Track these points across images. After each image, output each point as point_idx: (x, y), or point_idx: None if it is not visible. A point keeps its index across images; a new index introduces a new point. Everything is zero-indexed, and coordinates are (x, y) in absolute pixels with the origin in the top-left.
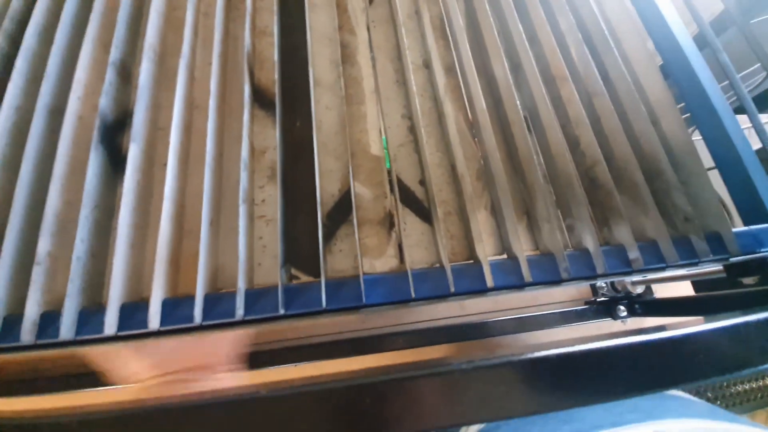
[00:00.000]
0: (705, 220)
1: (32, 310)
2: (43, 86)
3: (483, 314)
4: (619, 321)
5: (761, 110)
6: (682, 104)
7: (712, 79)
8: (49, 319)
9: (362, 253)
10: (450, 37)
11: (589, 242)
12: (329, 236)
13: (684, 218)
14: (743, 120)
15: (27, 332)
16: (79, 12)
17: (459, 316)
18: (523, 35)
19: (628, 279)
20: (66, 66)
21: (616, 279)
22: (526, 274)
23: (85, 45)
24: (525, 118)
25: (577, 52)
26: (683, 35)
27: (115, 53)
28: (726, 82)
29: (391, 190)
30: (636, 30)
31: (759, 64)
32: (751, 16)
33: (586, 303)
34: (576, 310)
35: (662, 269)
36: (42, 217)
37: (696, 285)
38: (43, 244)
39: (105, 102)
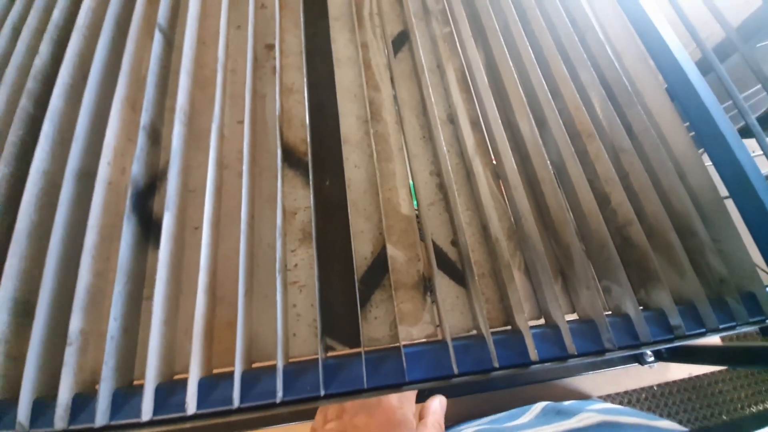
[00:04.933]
0: (739, 280)
1: (65, 395)
2: (72, 149)
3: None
4: (646, 366)
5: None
6: (686, 123)
7: (718, 104)
8: (82, 403)
9: (399, 320)
10: (473, 91)
11: (631, 309)
12: (364, 302)
13: (719, 279)
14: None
15: (60, 418)
16: (107, 70)
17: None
18: (547, 90)
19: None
20: (94, 127)
21: (657, 348)
22: (570, 346)
23: (114, 106)
24: (553, 174)
25: (601, 107)
26: (686, 61)
27: (145, 116)
28: (729, 102)
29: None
30: (657, 82)
31: (759, 86)
32: (755, 41)
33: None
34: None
35: (702, 335)
36: (72, 291)
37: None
38: (75, 322)
39: (137, 168)
